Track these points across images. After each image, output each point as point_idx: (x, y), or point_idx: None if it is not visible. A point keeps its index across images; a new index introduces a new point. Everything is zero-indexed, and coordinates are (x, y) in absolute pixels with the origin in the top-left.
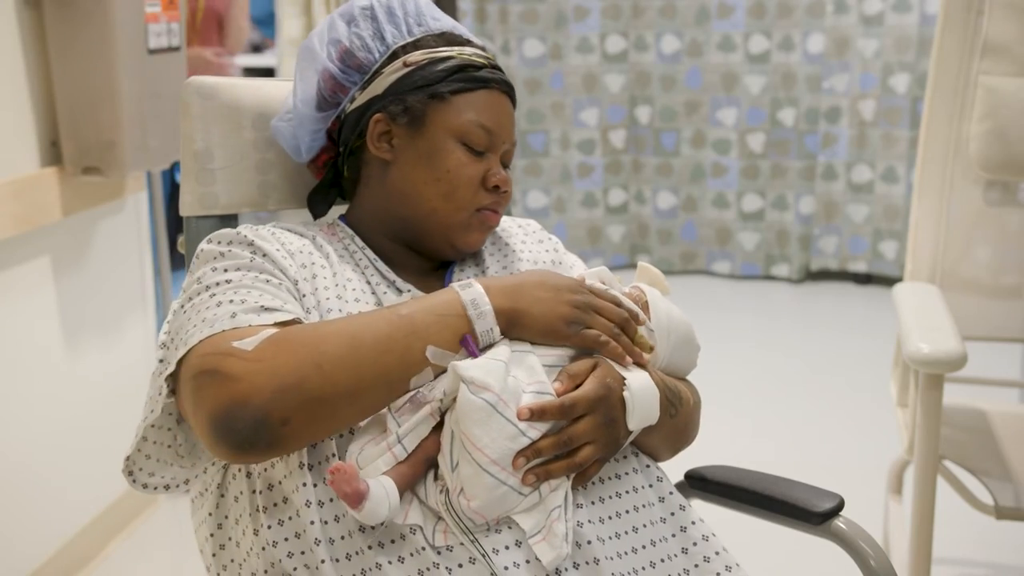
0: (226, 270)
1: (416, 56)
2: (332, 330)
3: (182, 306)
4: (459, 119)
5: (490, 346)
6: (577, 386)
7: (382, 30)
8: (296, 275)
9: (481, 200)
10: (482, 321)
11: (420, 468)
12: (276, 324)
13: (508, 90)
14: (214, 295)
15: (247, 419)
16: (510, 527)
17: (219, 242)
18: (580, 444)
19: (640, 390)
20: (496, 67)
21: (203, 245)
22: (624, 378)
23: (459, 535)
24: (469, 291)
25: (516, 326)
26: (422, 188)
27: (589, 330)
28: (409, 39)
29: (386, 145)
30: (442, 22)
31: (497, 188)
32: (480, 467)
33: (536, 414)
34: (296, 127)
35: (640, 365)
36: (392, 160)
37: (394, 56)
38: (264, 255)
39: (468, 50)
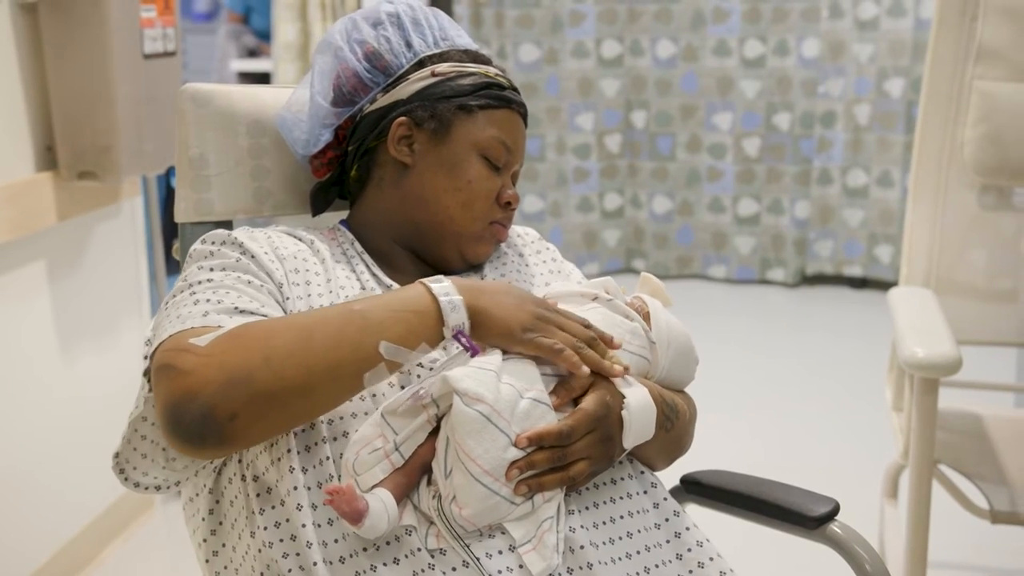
0: (211, 269)
1: (444, 67)
2: (284, 325)
3: (167, 303)
4: (484, 134)
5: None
6: (574, 400)
7: (409, 37)
8: (282, 279)
9: (495, 214)
10: (455, 314)
11: (415, 476)
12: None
13: (524, 113)
14: (194, 293)
15: (194, 413)
16: (503, 532)
17: (212, 242)
18: (575, 460)
19: (638, 409)
20: (515, 89)
21: (196, 245)
22: (623, 396)
23: (450, 540)
24: (439, 285)
25: (475, 325)
26: (441, 195)
27: (545, 339)
28: (435, 50)
29: (407, 149)
30: (465, 40)
31: (509, 204)
32: (473, 477)
33: (534, 441)
34: (309, 119)
35: (607, 377)
36: (411, 164)
37: (421, 64)
38: (252, 256)
39: (492, 70)
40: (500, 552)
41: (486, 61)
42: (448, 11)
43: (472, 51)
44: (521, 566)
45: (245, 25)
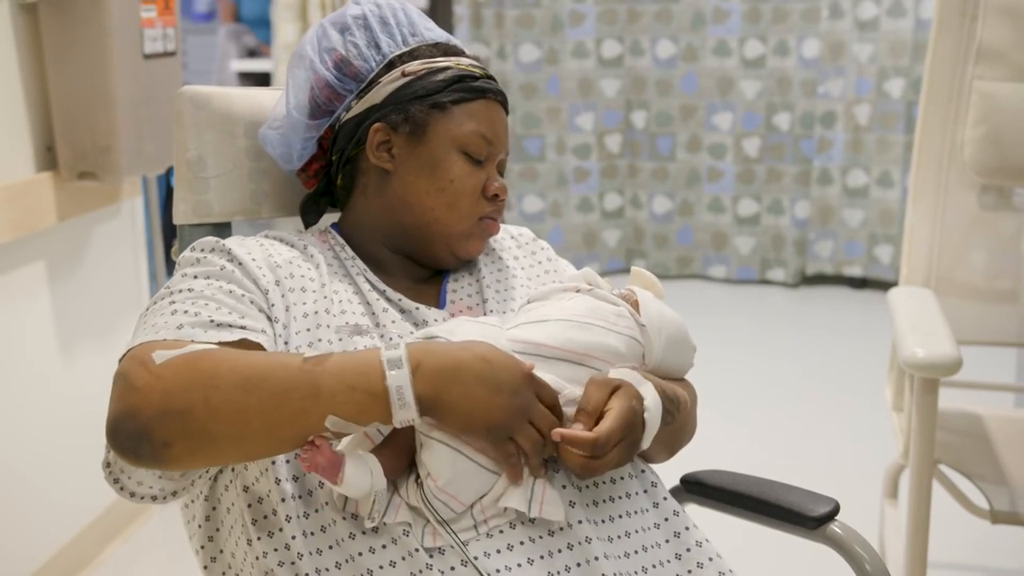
0: (195, 276)
1: (414, 66)
2: (234, 365)
3: (147, 309)
4: (460, 129)
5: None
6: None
7: (377, 39)
8: (268, 286)
9: (483, 209)
10: (404, 411)
11: (402, 455)
12: (220, 343)
13: (502, 100)
14: (173, 302)
15: (130, 431)
16: (501, 532)
17: (200, 249)
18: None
19: (654, 408)
20: (490, 77)
21: (185, 252)
22: (642, 396)
23: (442, 533)
24: (396, 374)
25: (434, 413)
26: (424, 197)
27: (508, 443)
28: (405, 49)
29: (386, 154)
30: (435, 33)
31: (496, 197)
32: (437, 441)
33: (567, 441)
34: (288, 134)
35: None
36: (392, 169)
37: (391, 65)
38: (239, 263)
39: (464, 61)
40: (499, 551)
41: (457, 52)
42: (448, 11)
43: (442, 43)
44: (520, 565)
45: (238, 22)
